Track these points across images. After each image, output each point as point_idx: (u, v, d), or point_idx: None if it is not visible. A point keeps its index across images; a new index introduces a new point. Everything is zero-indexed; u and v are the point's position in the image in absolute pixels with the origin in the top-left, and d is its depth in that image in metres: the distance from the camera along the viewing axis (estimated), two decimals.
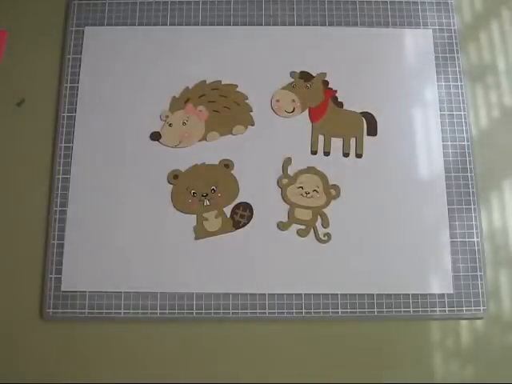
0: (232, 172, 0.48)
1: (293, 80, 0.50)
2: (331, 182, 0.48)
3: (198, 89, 0.50)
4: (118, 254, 0.46)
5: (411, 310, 0.45)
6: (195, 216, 0.47)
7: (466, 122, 0.49)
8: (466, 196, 0.47)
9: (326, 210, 0.47)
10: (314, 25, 0.52)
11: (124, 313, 0.45)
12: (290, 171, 0.48)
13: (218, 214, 0.47)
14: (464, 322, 0.45)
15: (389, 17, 0.52)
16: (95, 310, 0.45)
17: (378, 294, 0.45)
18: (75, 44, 0.51)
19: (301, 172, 0.48)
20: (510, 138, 0.50)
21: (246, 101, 0.49)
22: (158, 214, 0.46)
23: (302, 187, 0.47)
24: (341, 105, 0.49)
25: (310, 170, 0.48)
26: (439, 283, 0.45)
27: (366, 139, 0.48)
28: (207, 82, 0.50)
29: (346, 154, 0.48)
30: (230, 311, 0.45)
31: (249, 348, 0.44)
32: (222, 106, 0.49)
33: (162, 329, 0.45)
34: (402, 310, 0.45)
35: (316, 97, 0.50)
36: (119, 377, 0.44)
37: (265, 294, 0.45)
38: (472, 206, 0.47)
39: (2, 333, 0.45)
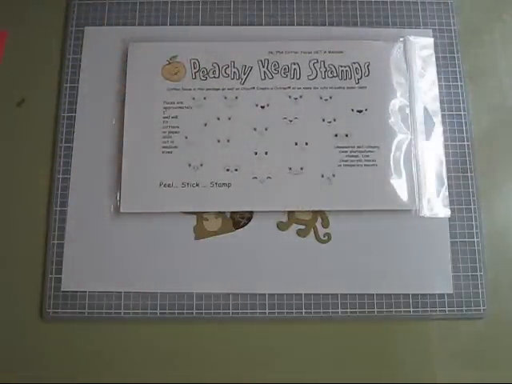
0: None
1: None
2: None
3: None
4: (118, 254, 0.46)
5: (411, 310, 0.46)
6: (195, 216, 0.47)
7: (466, 122, 0.50)
8: (465, 196, 0.48)
9: (325, 210, 0.47)
10: (313, 25, 0.52)
11: (124, 313, 0.46)
12: None
13: (218, 214, 0.47)
14: (464, 322, 0.46)
15: (389, 17, 0.53)
16: (95, 310, 0.46)
17: (377, 294, 0.46)
18: (75, 44, 0.52)
19: None
20: (511, 138, 0.50)
21: None
22: (158, 214, 0.47)
23: None
24: None
25: None
26: (439, 283, 0.47)
27: None
28: None
29: None
30: (230, 311, 0.46)
31: (249, 348, 0.45)
32: None
33: (162, 329, 0.46)
34: (402, 310, 0.46)
35: None
36: (119, 377, 0.45)
37: (265, 294, 0.46)
38: (472, 206, 0.48)
39: (1, 333, 0.46)
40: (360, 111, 0.49)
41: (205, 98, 0.50)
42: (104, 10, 0.53)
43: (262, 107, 0.49)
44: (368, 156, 0.48)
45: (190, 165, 0.48)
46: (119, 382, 0.45)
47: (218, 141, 0.49)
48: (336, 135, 0.49)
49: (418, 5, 0.53)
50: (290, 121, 0.49)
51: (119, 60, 0.51)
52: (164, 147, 0.48)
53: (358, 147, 0.48)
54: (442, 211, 0.48)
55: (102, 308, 0.46)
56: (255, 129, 0.49)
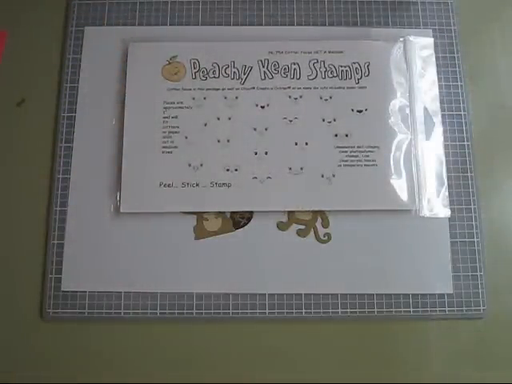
0: None
1: None
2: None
3: None
4: (118, 254, 0.46)
5: (411, 309, 0.46)
6: (195, 216, 0.47)
7: (465, 122, 0.50)
8: (465, 196, 0.48)
9: (325, 210, 0.47)
10: (313, 25, 0.52)
11: (124, 313, 0.46)
12: None
13: (218, 214, 0.47)
14: (464, 322, 0.46)
15: (389, 17, 0.53)
16: (95, 310, 0.46)
17: (377, 294, 0.46)
18: (75, 44, 0.52)
19: None
20: (510, 138, 0.50)
21: None
22: (158, 214, 0.47)
23: None
24: None
25: None
26: (439, 283, 0.47)
27: None
28: None
29: None
30: (230, 311, 0.46)
31: (249, 348, 0.46)
32: None
33: (162, 329, 0.46)
34: (402, 310, 0.46)
35: None
36: (119, 377, 0.45)
37: (265, 294, 0.46)
38: (472, 206, 0.48)
39: (1, 333, 0.46)
40: (360, 111, 0.49)
41: (205, 98, 0.50)
42: (104, 10, 0.53)
43: (262, 107, 0.50)
44: (368, 156, 0.48)
45: (190, 165, 0.48)
46: (119, 382, 0.45)
47: (218, 141, 0.49)
48: (336, 135, 0.49)
49: (418, 5, 0.53)
50: (290, 121, 0.49)
51: (119, 60, 0.51)
52: (164, 147, 0.49)
53: (358, 147, 0.48)
54: (442, 211, 0.48)
55: (102, 308, 0.46)
56: (255, 129, 0.49)
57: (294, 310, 0.46)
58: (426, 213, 0.48)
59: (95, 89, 0.51)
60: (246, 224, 0.48)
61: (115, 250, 0.47)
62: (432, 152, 0.50)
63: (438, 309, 0.46)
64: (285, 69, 0.50)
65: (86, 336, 0.46)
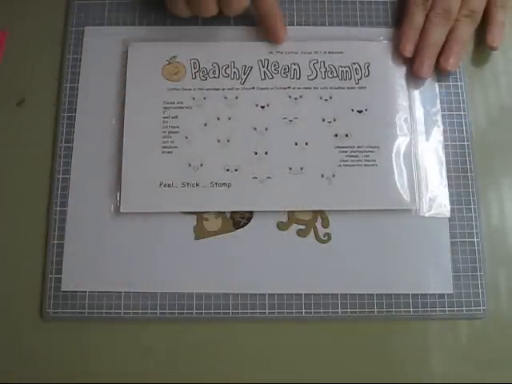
0: None
1: None
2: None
3: None
4: (118, 254, 0.46)
5: (411, 309, 0.46)
6: (195, 216, 0.47)
7: (465, 122, 0.50)
8: (466, 196, 0.48)
9: (325, 210, 0.47)
10: (313, 25, 0.52)
11: (124, 313, 0.46)
12: None
13: (218, 214, 0.47)
14: (464, 322, 0.46)
15: (389, 17, 0.52)
16: (95, 310, 0.46)
17: (377, 294, 0.46)
18: (75, 44, 0.52)
19: None
20: (510, 138, 0.50)
21: None
22: (158, 214, 0.47)
23: None
24: None
25: None
26: (439, 283, 0.47)
27: None
28: None
29: None
30: (230, 311, 0.46)
31: (249, 348, 0.46)
32: None
33: (162, 329, 0.46)
34: (402, 310, 0.46)
35: None
36: (119, 377, 0.45)
37: (265, 294, 0.46)
38: (472, 206, 0.48)
39: (1, 333, 0.46)
40: (360, 111, 0.49)
41: (205, 98, 0.50)
42: (104, 9, 0.53)
43: (262, 107, 0.50)
44: (368, 156, 0.48)
45: (190, 165, 0.48)
46: (119, 382, 0.45)
47: (218, 141, 0.49)
48: (336, 135, 0.49)
49: None
50: (290, 121, 0.49)
51: (119, 60, 0.51)
52: (164, 147, 0.49)
53: (358, 147, 0.49)
54: (442, 211, 0.48)
55: (102, 308, 0.46)
56: (255, 129, 0.49)
57: (293, 310, 0.46)
58: (425, 213, 0.48)
59: (95, 89, 0.51)
60: (246, 224, 0.48)
61: (115, 249, 0.47)
62: (432, 152, 0.50)
63: (437, 309, 0.46)
64: (285, 69, 0.51)
65: (86, 336, 0.46)
